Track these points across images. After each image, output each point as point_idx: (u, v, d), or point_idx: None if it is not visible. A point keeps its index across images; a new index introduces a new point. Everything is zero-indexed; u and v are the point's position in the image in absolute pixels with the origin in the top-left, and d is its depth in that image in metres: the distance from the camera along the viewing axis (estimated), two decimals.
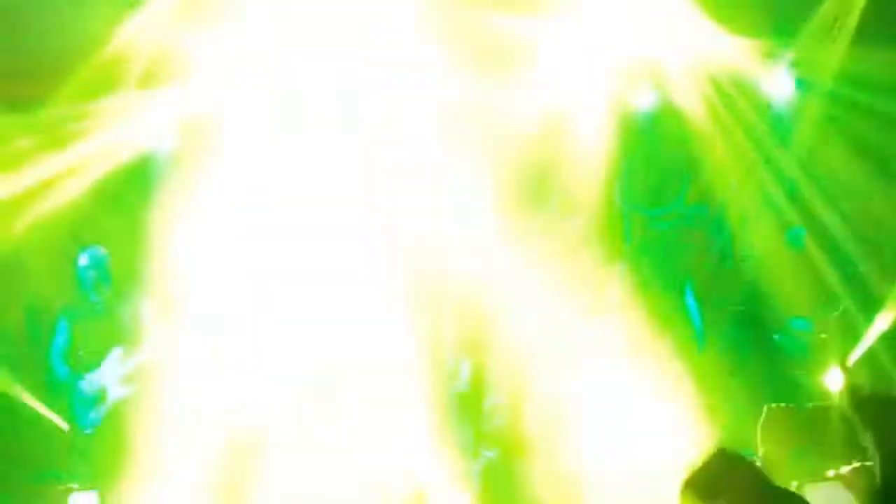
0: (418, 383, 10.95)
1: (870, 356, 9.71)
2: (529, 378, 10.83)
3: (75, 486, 8.69)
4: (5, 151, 10.29)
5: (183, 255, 10.54)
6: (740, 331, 10.16)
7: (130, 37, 9.97)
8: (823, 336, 10.13)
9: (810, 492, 6.63)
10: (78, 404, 9.79)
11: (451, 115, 11.15)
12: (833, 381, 9.62)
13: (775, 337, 10.37)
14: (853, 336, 9.79)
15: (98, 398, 9.73)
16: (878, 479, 3.39)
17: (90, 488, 8.85)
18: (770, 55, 10.78)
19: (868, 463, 4.41)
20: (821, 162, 10.53)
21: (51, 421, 10.06)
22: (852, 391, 3.64)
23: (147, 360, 9.85)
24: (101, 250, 9.98)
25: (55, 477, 9.53)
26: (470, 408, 11.06)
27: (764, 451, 8.58)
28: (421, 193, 10.84)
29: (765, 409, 8.92)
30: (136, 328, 10.01)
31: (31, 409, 10.05)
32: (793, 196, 10.52)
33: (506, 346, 10.85)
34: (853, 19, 10.06)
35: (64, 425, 9.99)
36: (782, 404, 8.92)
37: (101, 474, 9.36)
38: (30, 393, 10.13)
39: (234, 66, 10.42)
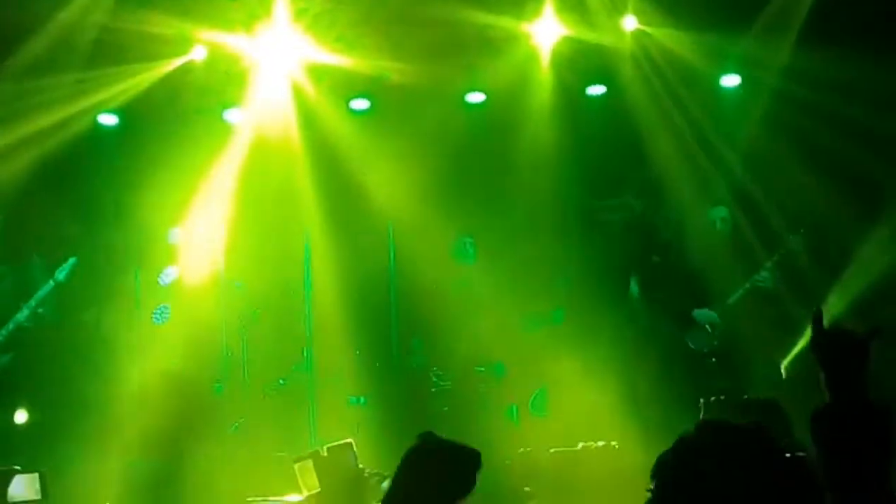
0: None
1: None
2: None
3: (17, 467, 8.58)
4: None
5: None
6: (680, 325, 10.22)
7: (77, 14, 9.97)
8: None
9: None
10: None
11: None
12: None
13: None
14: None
15: None
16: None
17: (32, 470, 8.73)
18: (719, 51, 10.86)
19: None
20: (766, 158, 10.61)
21: None
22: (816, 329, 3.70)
23: None
24: None
25: None
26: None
27: None
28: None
29: (702, 402, 8.95)
30: None
31: None
32: (737, 191, 10.60)
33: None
34: (801, 17, 10.14)
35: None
36: (720, 397, 8.94)
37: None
38: None
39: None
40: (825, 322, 3.68)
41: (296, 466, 5.31)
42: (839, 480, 3.36)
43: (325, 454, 5.26)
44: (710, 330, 10.14)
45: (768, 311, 10.15)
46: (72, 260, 10.84)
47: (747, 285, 10.19)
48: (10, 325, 10.57)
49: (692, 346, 10.21)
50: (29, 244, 10.94)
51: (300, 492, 7.06)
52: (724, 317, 10.15)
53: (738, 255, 10.33)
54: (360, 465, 5.30)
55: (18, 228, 10.80)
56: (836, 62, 9.72)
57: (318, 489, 5.27)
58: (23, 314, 10.62)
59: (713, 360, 10.09)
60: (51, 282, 10.71)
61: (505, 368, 11.16)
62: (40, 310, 10.79)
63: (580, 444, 9.30)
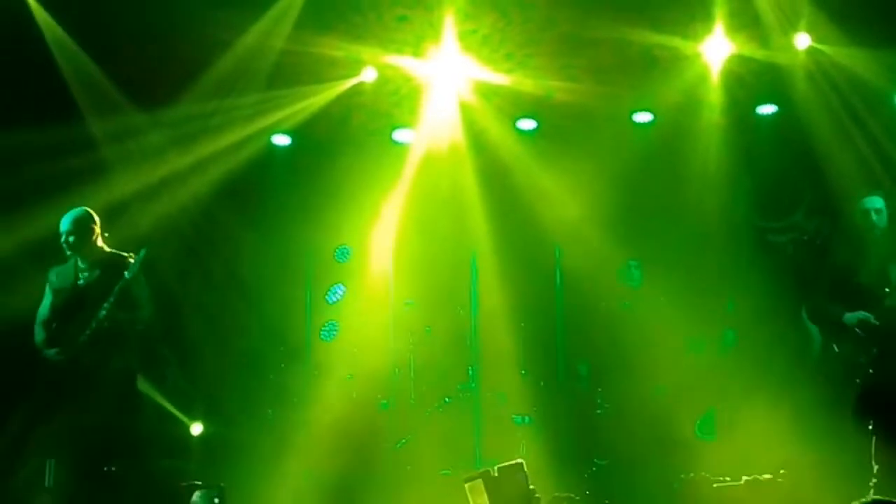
0: None
1: None
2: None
3: (199, 482, 8.85)
4: (137, 147, 10.67)
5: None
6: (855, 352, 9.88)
7: (257, 39, 10.28)
8: None
9: None
10: None
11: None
12: None
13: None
14: None
15: None
16: None
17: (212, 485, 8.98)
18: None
19: None
20: None
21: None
22: None
23: None
24: None
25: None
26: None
27: (878, 468, 8.39)
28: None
29: (873, 423, 8.65)
30: None
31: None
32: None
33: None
34: None
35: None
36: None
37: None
38: None
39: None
40: None
41: (466, 486, 5.34)
42: None
43: (496, 474, 5.28)
44: (861, 334, 9.70)
45: None
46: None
47: None
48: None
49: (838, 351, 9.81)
50: (210, 262, 11.30)
51: None
52: (881, 319, 9.69)
53: None
54: (531, 486, 5.30)
55: (202, 243, 11.18)
56: None
57: None
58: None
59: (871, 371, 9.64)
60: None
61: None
62: None
63: (743, 478, 9.09)
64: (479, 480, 5.40)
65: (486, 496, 5.39)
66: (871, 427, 8.65)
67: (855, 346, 9.56)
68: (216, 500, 8.75)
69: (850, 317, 9.62)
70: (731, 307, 11.26)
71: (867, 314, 9.53)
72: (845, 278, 9.68)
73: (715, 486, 9.10)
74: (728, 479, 9.15)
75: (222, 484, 8.86)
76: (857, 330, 9.53)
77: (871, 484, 8.12)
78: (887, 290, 9.61)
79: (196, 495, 8.71)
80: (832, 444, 8.85)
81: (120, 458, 8.94)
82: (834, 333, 9.76)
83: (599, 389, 11.22)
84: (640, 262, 11.44)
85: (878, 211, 9.68)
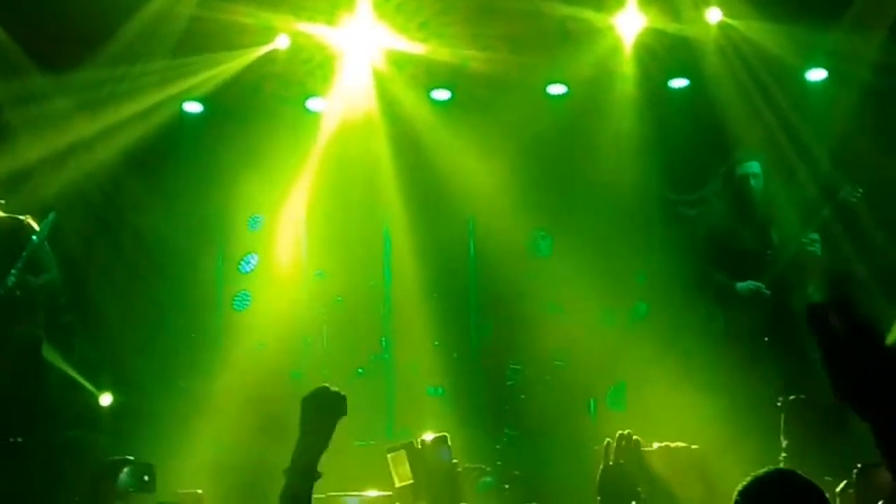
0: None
1: None
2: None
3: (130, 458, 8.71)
4: (41, 112, 10.42)
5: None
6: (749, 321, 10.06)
7: (165, 4, 10.09)
8: None
9: None
10: None
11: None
12: None
13: None
14: None
15: None
16: None
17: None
18: (806, 44, 10.72)
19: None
20: (854, 153, 10.45)
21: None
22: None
23: None
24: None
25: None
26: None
27: (787, 443, 8.54)
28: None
29: (782, 401, 8.83)
30: None
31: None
32: (824, 186, 10.42)
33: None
34: (892, 10, 9.97)
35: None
36: (800, 396, 8.81)
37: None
38: None
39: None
40: None
41: (388, 457, 5.29)
42: None
43: (419, 446, 5.24)
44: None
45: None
46: None
47: (791, 250, 9.85)
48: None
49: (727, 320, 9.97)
50: (118, 230, 11.11)
51: (387, 482, 7.06)
52: (771, 286, 9.86)
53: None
54: (454, 460, 5.28)
55: (110, 211, 10.98)
56: None
57: (412, 480, 5.27)
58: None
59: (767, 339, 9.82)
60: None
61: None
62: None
63: (655, 445, 9.18)
64: (403, 451, 5.36)
65: (408, 467, 5.36)
66: (778, 403, 8.82)
67: (749, 314, 9.78)
68: (146, 478, 8.63)
69: (742, 286, 9.82)
70: (643, 279, 11.37)
71: (758, 283, 9.74)
72: (728, 245, 9.88)
73: None
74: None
75: (151, 463, 8.73)
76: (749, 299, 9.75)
77: (780, 458, 8.27)
78: (769, 252, 9.83)
79: (124, 472, 8.57)
80: (741, 417, 9.00)
81: (25, 429, 8.78)
82: (723, 302, 9.96)
83: (511, 362, 11.25)
84: (547, 233, 11.49)
85: (755, 176, 9.90)
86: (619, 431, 4.73)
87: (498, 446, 10.45)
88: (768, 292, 9.78)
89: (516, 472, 9.60)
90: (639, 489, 4.48)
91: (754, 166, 9.98)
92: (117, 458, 8.49)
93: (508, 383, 11.17)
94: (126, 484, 8.36)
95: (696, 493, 4.58)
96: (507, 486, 9.35)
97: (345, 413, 4.41)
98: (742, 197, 9.97)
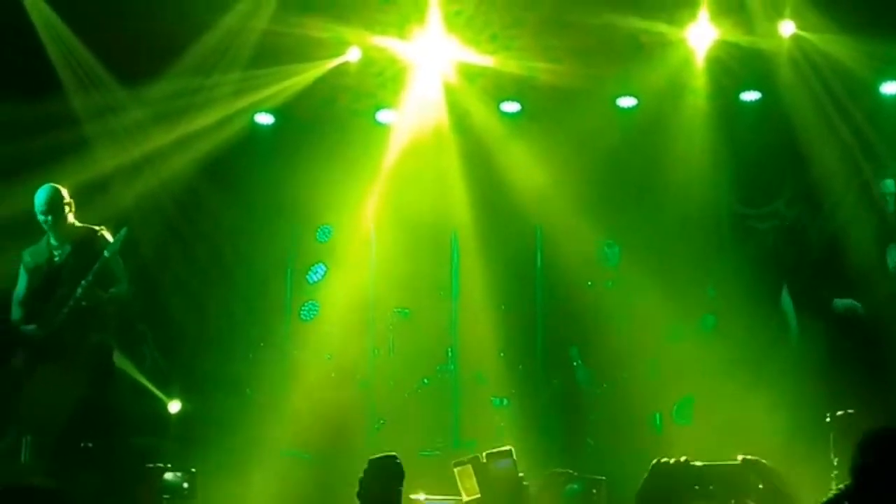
0: None
1: None
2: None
3: (168, 465, 8.83)
4: (119, 124, 10.61)
5: None
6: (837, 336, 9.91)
7: (239, 20, 10.23)
8: None
9: None
10: None
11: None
12: None
13: None
14: None
15: None
16: None
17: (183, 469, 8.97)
18: (880, 56, 10.58)
19: None
20: None
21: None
22: None
23: None
24: None
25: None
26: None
27: (838, 459, 8.41)
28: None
29: (830, 417, 8.66)
30: None
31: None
32: None
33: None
34: None
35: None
36: (848, 411, 8.63)
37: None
38: None
39: None
40: None
41: (456, 470, 5.34)
42: None
43: (485, 460, 5.27)
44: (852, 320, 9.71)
45: None
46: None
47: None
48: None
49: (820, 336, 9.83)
50: (192, 239, 11.26)
51: (450, 491, 7.10)
52: (869, 308, 9.70)
53: None
54: (520, 473, 5.30)
55: (184, 221, 11.14)
56: None
57: (478, 495, 5.30)
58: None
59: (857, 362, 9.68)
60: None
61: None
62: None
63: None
64: (469, 465, 5.40)
65: (475, 480, 5.41)
66: (828, 419, 8.68)
67: (839, 332, 9.65)
68: (185, 485, 8.73)
69: (840, 303, 9.69)
70: (712, 292, 11.28)
71: (855, 302, 9.60)
72: (834, 256, 9.75)
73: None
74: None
75: (194, 469, 8.84)
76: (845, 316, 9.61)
77: (831, 476, 8.14)
78: (878, 272, 9.70)
79: (166, 477, 8.69)
80: (806, 434, 8.88)
81: (96, 435, 8.92)
82: (816, 314, 9.83)
83: (581, 372, 11.23)
84: (615, 243, 11.45)
85: (892, 195, 9.76)
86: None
87: (571, 456, 10.39)
88: (864, 312, 9.64)
89: (602, 478, 9.56)
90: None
91: (891, 185, 9.87)
92: (154, 465, 8.60)
93: (580, 395, 11.13)
94: (167, 490, 8.48)
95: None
96: (594, 492, 9.32)
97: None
98: (876, 213, 9.83)
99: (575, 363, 11.20)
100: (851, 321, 9.65)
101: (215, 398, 10.70)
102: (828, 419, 8.48)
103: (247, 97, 11.03)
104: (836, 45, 10.52)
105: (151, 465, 8.77)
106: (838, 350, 9.67)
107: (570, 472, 9.11)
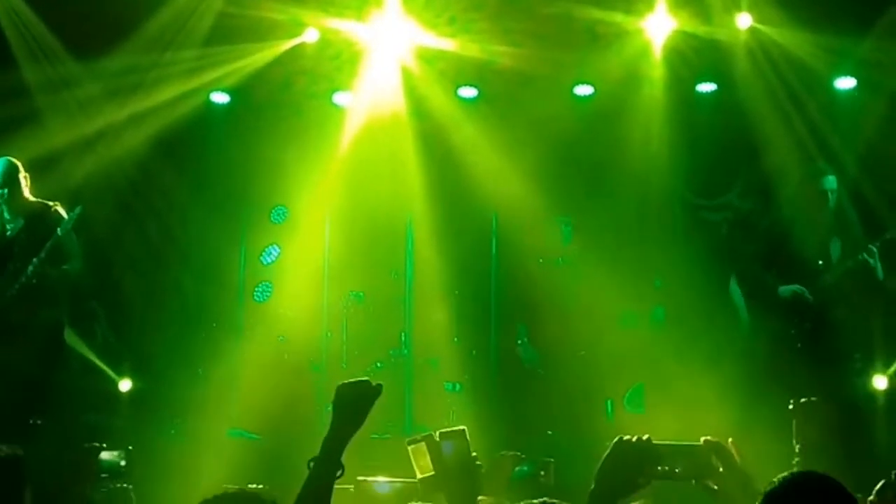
0: None
1: None
2: None
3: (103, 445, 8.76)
4: (72, 98, 10.49)
5: None
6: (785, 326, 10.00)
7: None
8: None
9: None
10: None
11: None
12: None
13: None
14: None
15: None
16: None
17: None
18: (836, 51, 10.68)
19: None
20: (882, 163, 10.42)
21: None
22: None
23: None
24: None
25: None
26: None
27: (800, 446, 8.51)
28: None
29: (793, 403, 8.77)
30: None
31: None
32: (852, 196, 10.37)
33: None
34: None
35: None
36: (812, 399, 8.74)
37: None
38: None
39: None
40: None
41: (409, 448, 5.32)
42: None
43: (438, 438, 5.27)
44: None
45: (870, 300, 9.84)
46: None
47: (849, 263, 9.80)
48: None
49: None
50: (145, 217, 11.17)
51: (402, 476, 7.08)
52: (815, 294, 9.81)
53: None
54: (473, 453, 5.31)
55: (137, 199, 11.05)
56: None
57: (433, 472, 5.30)
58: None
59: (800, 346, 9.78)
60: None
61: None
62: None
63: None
64: (423, 443, 5.39)
65: (428, 458, 5.39)
66: (791, 406, 8.78)
67: (786, 319, 9.75)
68: (122, 463, 8.68)
69: (785, 289, 9.79)
70: (658, 283, 11.35)
71: (802, 288, 9.71)
72: (784, 249, 9.85)
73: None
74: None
75: (130, 447, 8.78)
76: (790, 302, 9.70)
77: (793, 462, 8.23)
78: (821, 262, 9.80)
79: (103, 456, 8.62)
80: (758, 420, 8.97)
81: (45, 412, 8.86)
82: (764, 303, 9.92)
83: (526, 351, 11.28)
84: (569, 220, 11.49)
85: (833, 192, 9.87)
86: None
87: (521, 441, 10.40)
88: (811, 298, 9.74)
89: (551, 460, 9.62)
90: (640, 480, 4.44)
91: (832, 181, 9.96)
92: (90, 444, 8.53)
93: (530, 381, 11.17)
94: (104, 469, 8.43)
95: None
96: (542, 474, 9.37)
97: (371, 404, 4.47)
98: (817, 209, 9.92)
99: (519, 341, 11.26)
100: (797, 306, 9.74)
101: (166, 377, 10.63)
102: (791, 406, 8.58)
103: (202, 75, 10.93)
104: (791, 39, 10.60)
105: (88, 445, 8.69)
106: (785, 338, 9.77)
107: (518, 454, 9.17)
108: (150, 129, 10.66)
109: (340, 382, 4.52)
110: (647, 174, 11.14)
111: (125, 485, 8.57)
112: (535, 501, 3.92)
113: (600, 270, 10.80)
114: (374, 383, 4.52)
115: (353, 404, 4.48)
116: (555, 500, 3.96)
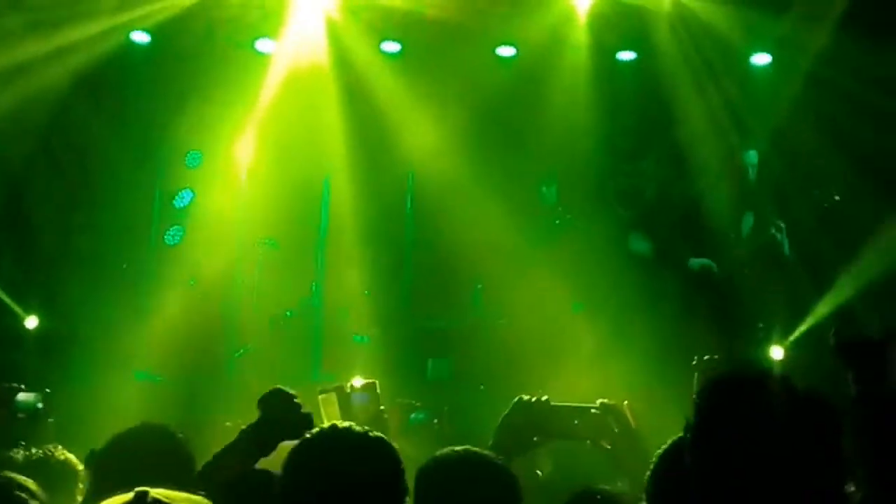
0: None
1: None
2: None
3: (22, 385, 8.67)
4: None
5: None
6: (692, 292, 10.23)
7: None
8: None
9: None
10: None
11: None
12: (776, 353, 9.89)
13: None
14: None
15: None
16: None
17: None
18: (754, 28, 10.88)
19: None
20: (792, 139, 10.67)
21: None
22: (836, 335, 3.88)
23: None
24: None
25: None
26: None
27: None
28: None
29: (697, 360, 8.95)
30: None
31: None
32: (760, 171, 10.62)
33: None
34: (840, 1, 10.16)
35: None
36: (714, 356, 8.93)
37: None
38: None
39: None
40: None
41: (320, 397, 5.40)
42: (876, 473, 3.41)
43: (349, 390, 5.35)
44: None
45: (775, 274, 10.10)
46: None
47: (761, 239, 10.04)
48: None
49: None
50: (61, 151, 11.01)
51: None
52: (726, 266, 10.04)
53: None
54: (381, 407, 5.41)
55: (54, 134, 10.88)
56: (876, 52, 9.73)
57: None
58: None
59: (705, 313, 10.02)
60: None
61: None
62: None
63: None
64: (333, 393, 5.47)
65: (337, 409, 5.47)
66: (694, 363, 8.97)
67: (694, 289, 9.99)
68: (39, 406, 8.59)
69: (695, 262, 10.03)
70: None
71: (709, 261, 9.95)
72: (700, 221, 10.07)
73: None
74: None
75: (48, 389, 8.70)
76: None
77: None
78: (733, 235, 10.06)
79: (18, 398, 8.52)
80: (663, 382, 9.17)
81: None
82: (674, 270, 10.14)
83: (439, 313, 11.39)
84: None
85: (753, 166, 10.10)
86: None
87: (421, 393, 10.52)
88: (717, 272, 9.98)
89: (445, 408, 9.75)
90: (535, 439, 4.62)
91: (753, 156, 10.16)
92: (7, 385, 8.46)
93: (434, 333, 11.27)
94: (21, 410, 8.36)
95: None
96: (436, 421, 9.52)
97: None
98: (736, 182, 10.11)
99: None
100: (704, 279, 9.98)
101: (75, 316, 10.54)
102: (694, 362, 8.77)
103: (124, 13, 10.77)
104: (712, 13, 10.78)
105: (6, 385, 8.58)
106: (692, 305, 10.00)
107: (413, 402, 9.32)
108: (70, 65, 10.49)
109: (276, 388, 4.46)
110: (567, 137, 11.26)
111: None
112: (458, 448, 3.97)
113: (514, 233, 10.92)
114: (303, 410, 4.39)
115: (278, 424, 4.35)
116: (481, 449, 4.03)
